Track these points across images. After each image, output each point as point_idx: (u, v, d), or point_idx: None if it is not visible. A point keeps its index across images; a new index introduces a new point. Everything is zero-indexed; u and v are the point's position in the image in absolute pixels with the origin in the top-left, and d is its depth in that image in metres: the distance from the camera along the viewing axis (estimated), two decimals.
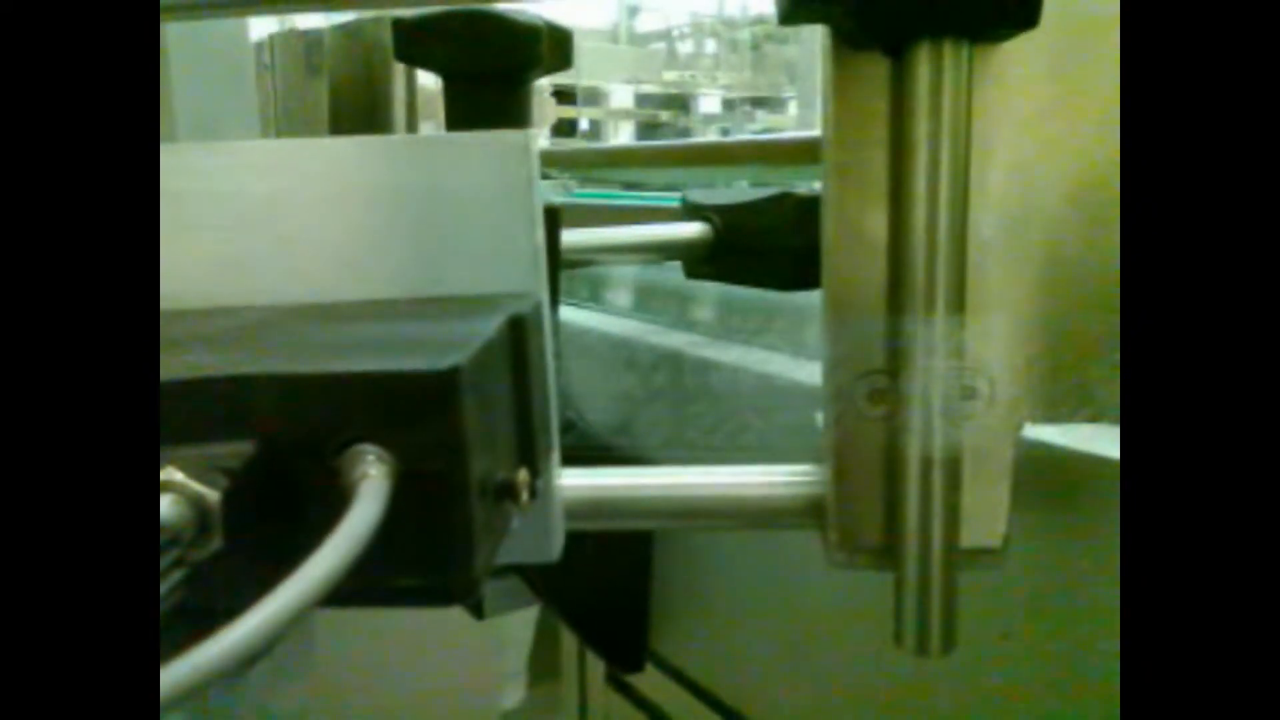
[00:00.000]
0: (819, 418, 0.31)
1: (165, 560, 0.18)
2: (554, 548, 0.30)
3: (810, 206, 0.51)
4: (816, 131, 0.31)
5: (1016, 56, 0.28)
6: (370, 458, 0.20)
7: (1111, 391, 0.30)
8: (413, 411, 0.21)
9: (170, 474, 0.19)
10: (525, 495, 0.26)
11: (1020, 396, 0.30)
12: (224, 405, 0.21)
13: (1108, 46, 0.28)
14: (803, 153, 0.71)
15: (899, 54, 0.28)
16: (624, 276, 0.77)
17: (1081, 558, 0.33)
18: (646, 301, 0.70)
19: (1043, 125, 0.29)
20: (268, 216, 0.29)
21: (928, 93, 0.27)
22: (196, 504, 0.19)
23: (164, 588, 0.17)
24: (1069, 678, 0.34)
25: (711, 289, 0.62)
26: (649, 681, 0.57)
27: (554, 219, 0.39)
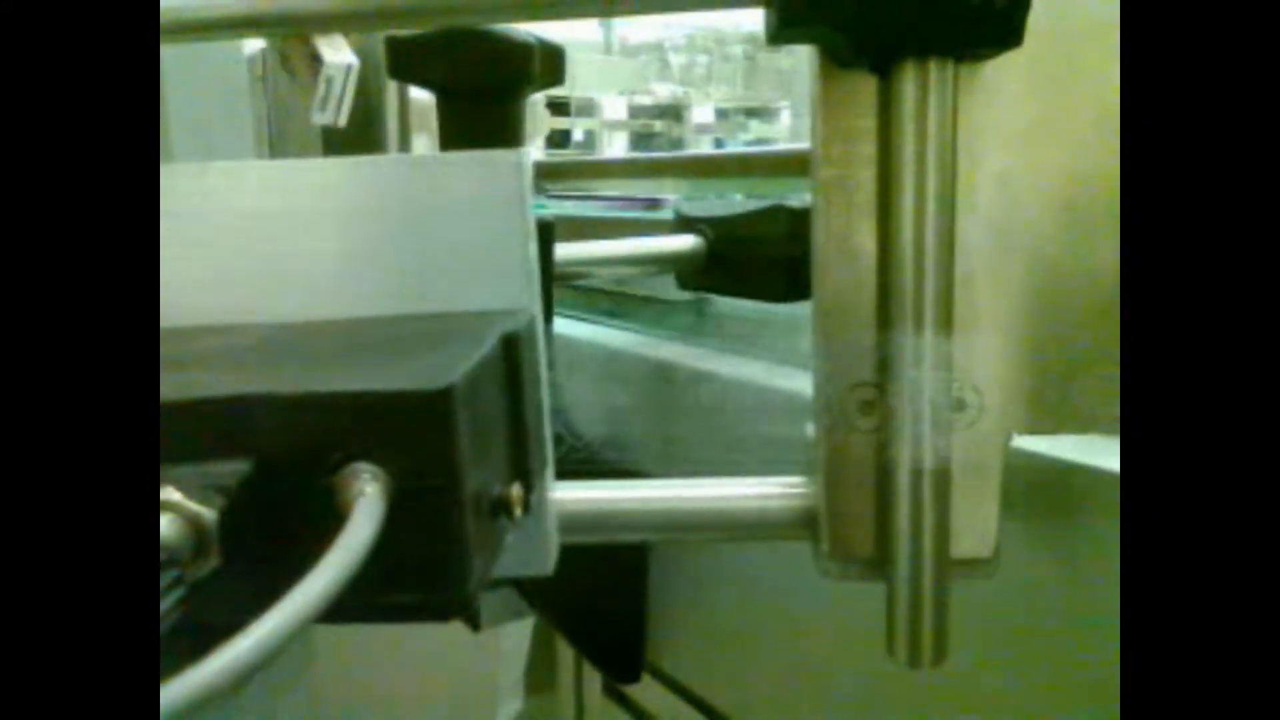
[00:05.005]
0: (810, 430, 0.31)
1: (164, 579, 0.18)
2: (549, 561, 0.30)
3: (802, 219, 0.51)
4: (807, 144, 0.31)
5: (1001, 73, 0.29)
6: (366, 475, 0.20)
7: (1099, 402, 0.30)
8: (407, 430, 0.21)
9: (168, 493, 0.19)
10: (519, 510, 0.26)
11: (1008, 408, 0.30)
12: (220, 425, 0.21)
13: (1092, 62, 0.29)
14: (795, 165, 0.72)
15: (886, 72, 0.28)
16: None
17: (1072, 566, 0.33)
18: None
19: (1028, 140, 0.29)
20: (262, 236, 0.29)
21: (914, 110, 0.27)
22: (194, 523, 0.19)
23: (163, 606, 0.18)
24: (1060, 687, 0.34)
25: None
26: (645, 692, 0.57)
27: (547, 234, 0.40)
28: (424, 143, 0.99)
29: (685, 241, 0.55)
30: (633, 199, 0.87)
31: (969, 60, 0.28)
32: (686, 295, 0.62)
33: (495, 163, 0.28)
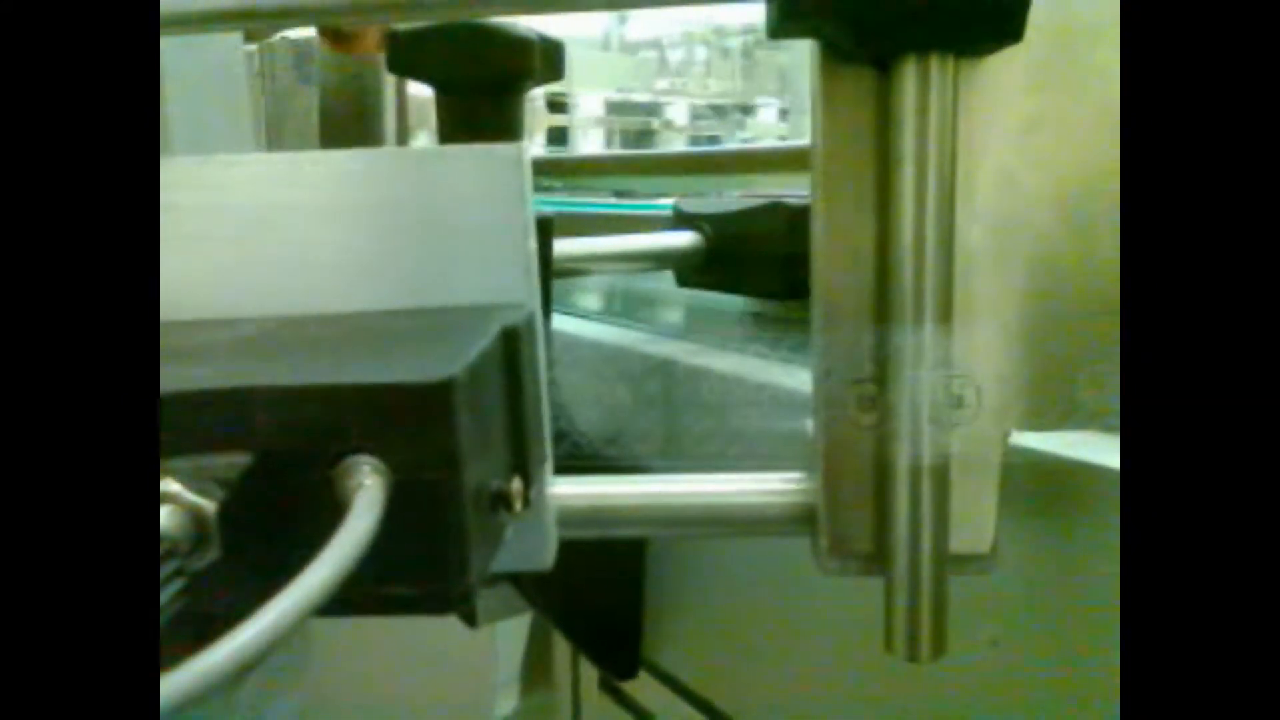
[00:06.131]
0: (809, 425, 0.31)
1: (164, 571, 0.18)
2: (547, 556, 0.30)
3: (801, 215, 0.51)
4: (806, 140, 0.31)
5: (1002, 69, 0.29)
6: (366, 468, 0.20)
7: (1098, 399, 0.30)
8: (407, 422, 0.21)
9: (168, 485, 0.19)
10: (519, 504, 0.26)
11: (1007, 404, 0.30)
12: (220, 417, 0.21)
13: (1093, 58, 0.29)
14: (794, 162, 0.72)
15: (886, 68, 0.28)
16: None
17: (1071, 563, 0.33)
18: None
19: (1028, 136, 0.29)
20: (262, 229, 0.29)
21: (914, 105, 0.27)
22: (194, 515, 0.19)
23: (163, 597, 0.18)
24: (1058, 683, 0.34)
25: None
26: (642, 688, 0.57)
27: (546, 229, 0.40)
28: (422, 138, 1.00)
29: (684, 238, 0.55)
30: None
31: (970, 55, 0.28)
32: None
33: (495, 156, 0.28)
